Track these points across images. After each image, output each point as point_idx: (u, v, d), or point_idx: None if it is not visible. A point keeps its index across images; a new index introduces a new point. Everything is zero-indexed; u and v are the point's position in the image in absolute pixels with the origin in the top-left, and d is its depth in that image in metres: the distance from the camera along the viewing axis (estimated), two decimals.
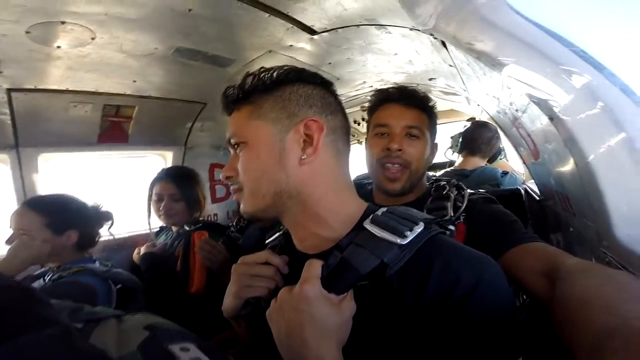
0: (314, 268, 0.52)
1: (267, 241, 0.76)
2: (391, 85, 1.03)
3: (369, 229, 0.54)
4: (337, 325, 0.49)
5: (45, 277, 1.18)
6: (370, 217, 0.56)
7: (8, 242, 1.15)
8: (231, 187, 0.65)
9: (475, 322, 0.46)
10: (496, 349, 0.46)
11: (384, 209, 0.58)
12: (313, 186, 0.57)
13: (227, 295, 0.66)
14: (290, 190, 0.56)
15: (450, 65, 1.21)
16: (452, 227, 0.79)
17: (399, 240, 0.50)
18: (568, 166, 0.76)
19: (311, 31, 1.24)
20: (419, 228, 0.52)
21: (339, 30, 1.22)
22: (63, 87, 1.40)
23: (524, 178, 1.76)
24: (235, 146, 0.61)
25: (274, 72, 0.59)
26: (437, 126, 1.06)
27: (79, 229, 1.26)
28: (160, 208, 1.58)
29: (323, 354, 0.46)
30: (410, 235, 0.51)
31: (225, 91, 0.63)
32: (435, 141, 1.06)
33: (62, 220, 1.22)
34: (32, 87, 1.34)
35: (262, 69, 0.61)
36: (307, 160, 0.56)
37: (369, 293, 0.52)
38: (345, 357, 0.48)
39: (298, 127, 0.57)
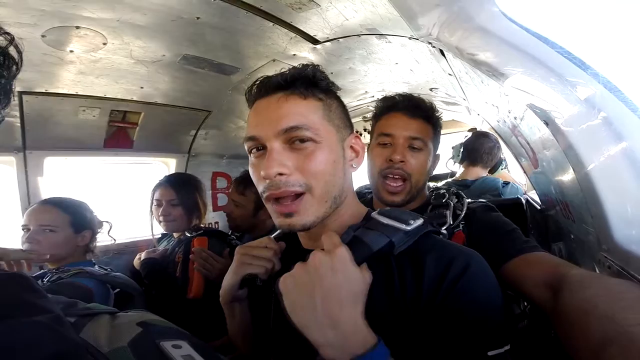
0: (334, 237, 0.54)
1: None
2: (398, 93, 1.03)
3: (377, 218, 0.59)
4: (364, 290, 0.50)
5: (44, 279, 1.19)
6: (378, 210, 0.62)
7: (29, 239, 1.17)
8: (282, 188, 0.55)
9: (467, 302, 0.50)
10: (487, 327, 0.50)
11: (387, 208, 0.63)
12: (348, 190, 0.64)
13: (226, 276, 0.68)
14: (342, 195, 0.61)
15: (450, 74, 1.24)
16: (444, 231, 0.81)
17: (404, 227, 0.56)
18: (567, 174, 0.77)
19: (314, 41, 1.28)
20: (420, 221, 0.58)
21: (341, 39, 1.26)
22: (73, 92, 1.45)
23: (525, 189, 1.76)
24: (295, 141, 0.56)
25: (325, 75, 0.62)
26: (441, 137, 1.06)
27: (92, 230, 1.33)
28: (160, 213, 1.59)
29: (357, 316, 0.47)
30: (414, 224, 0.56)
31: (291, 72, 0.59)
32: (438, 152, 1.06)
33: (82, 220, 1.29)
34: (44, 90, 1.39)
35: (313, 66, 0.61)
36: (352, 170, 0.65)
37: (373, 280, 0.54)
38: None
39: (350, 138, 0.64)
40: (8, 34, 0.39)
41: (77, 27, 1.07)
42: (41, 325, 0.28)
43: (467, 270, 0.52)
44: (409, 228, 0.55)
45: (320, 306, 0.47)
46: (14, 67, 0.39)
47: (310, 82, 0.60)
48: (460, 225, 0.90)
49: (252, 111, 0.62)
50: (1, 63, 0.37)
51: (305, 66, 0.61)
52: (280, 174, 0.55)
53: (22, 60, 0.40)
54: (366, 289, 0.50)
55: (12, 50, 0.39)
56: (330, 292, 0.48)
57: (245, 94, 0.64)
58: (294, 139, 0.56)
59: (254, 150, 0.60)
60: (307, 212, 0.56)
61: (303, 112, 0.57)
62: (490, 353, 0.49)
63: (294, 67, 0.61)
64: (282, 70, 0.60)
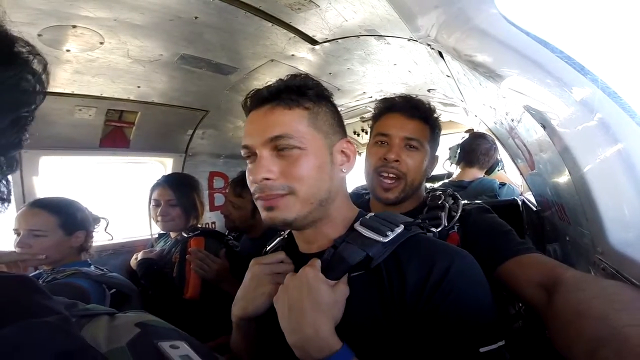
0: (314, 261, 0.61)
1: (268, 246, 0.80)
2: (398, 94, 1.04)
3: (358, 229, 0.63)
4: (331, 302, 0.56)
5: (39, 280, 1.18)
6: (360, 220, 0.66)
7: (20, 244, 1.15)
8: (267, 192, 0.60)
9: (452, 302, 0.53)
10: (476, 324, 0.52)
11: (372, 214, 0.67)
12: (339, 194, 0.67)
13: (257, 296, 0.67)
14: (329, 197, 0.64)
15: (448, 76, 1.24)
16: (434, 230, 0.83)
17: (381, 239, 0.60)
18: (563, 176, 0.77)
19: (312, 41, 1.28)
20: (399, 229, 0.61)
21: (340, 40, 1.26)
22: (69, 91, 1.43)
23: (522, 190, 1.77)
24: (281, 148, 0.60)
25: (315, 83, 0.66)
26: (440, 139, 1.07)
27: (86, 230, 1.30)
28: (157, 213, 1.59)
29: (318, 324, 0.54)
30: (391, 235, 0.60)
31: (278, 84, 0.63)
32: (436, 154, 1.06)
33: (72, 221, 1.25)
34: None
35: (303, 76, 0.65)
36: (342, 174, 0.67)
37: (364, 282, 0.60)
38: (342, 333, 0.55)
39: (340, 143, 0.67)
40: (41, 56, 0.38)
41: (74, 26, 1.06)
42: (51, 326, 0.29)
43: (448, 271, 0.54)
44: (385, 240, 0.60)
45: (287, 315, 0.57)
46: (43, 92, 0.39)
47: (296, 93, 0.63)
48: (455, 227, 0.91)
49: (246, 122, 0.66)
50: (35, 89, 0.36)
51: (293, 77, 0.65)
52: (267, 179, 0.60)
53: (48, 81, 0.39)
54: (335, 301, 0.57)
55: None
56: (295, 303, 0.56)
57: (242, 106, 0.68)
58: (280, 147, 0.60)
59: (248, 159, 0.65)
60: (288, 209, 0.60)
61: (287, 121, 0.61)
62: (482, 349, 0.51)
63: (280, 79, 0.65)
64: (281, 72, 0.62)
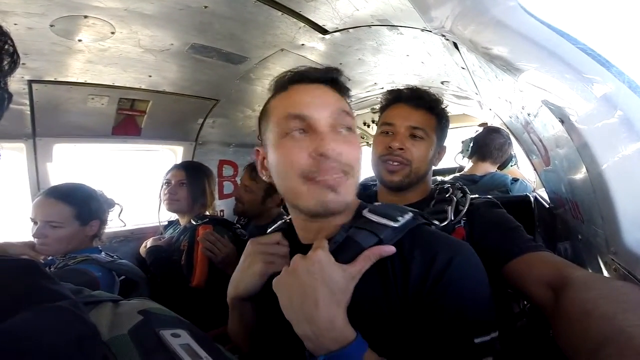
0: (322, 242, 0.58)
1: (268, 232, 0.80)
2: (404, 86, 1.04)
3: (367, 216, 0.62)
4: (343, 289, 0.53)
5: (52, 267, 1.21)
6: (368, 207, 0.64)
7: (37, 234, 1.17)
8: (336, 168, 0.57)
9: (452, 293, 0.53)
10: (473, 316, 0.53)
11: (378, 203, 0.67)
12: None
13: (247, 275, 0.67)
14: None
15: (463, 68, 1.20)
16: (436, 222, 0.82)
17: (392, 224, 0.59)
18: (579, 173, 0.75)
19: (323, 31, 1.25)
20: (408, 216, 0.61)
21: (351, 30, 1.23)
22: (82, 80, 1.45)
23: (535, 186, 1.73)
24: (342, 127, 0.60)
25: None
26: (448, 129, 1.05)
27: (100, 218, 1.32)
28: (166, 192, 1.62)
29: (333, 315, 0.51)
30: (402, 220, 0.59)
31: (328, 71, 0.64)
32: (444, 144, 1.05)
33: (88, 211, 1.27)
34: (53, 79, 1.39)
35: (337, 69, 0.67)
36: None
37: (368, 271, 0.57)
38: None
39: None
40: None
41: (85, 17, 1.06)
42: (64, 310, 0.30)
43: (450, 263, 0.54)
44: (397, 225, 0.58)
45: (298, 304, 0.52)
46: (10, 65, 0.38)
47: (341, 84, 0.65)
48: (462, 221, 0.90)
49: (289, 93, 0.63)
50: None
51: (334, 68, 0.65)
52: (338, 153, 0.57)
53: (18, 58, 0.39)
54: (347, 287, 0.54)
55: None
56: (307, 292, 0.52)
57: (276, 80, 0.66)
58: (340, 126, 0.60)
59: (296, 133, 0.59)
60: (348, 194, 0.59)
61: (345, 105, 0.63)
62: (476, 340, 0.51)
63: (327, 68, 0.65)
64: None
